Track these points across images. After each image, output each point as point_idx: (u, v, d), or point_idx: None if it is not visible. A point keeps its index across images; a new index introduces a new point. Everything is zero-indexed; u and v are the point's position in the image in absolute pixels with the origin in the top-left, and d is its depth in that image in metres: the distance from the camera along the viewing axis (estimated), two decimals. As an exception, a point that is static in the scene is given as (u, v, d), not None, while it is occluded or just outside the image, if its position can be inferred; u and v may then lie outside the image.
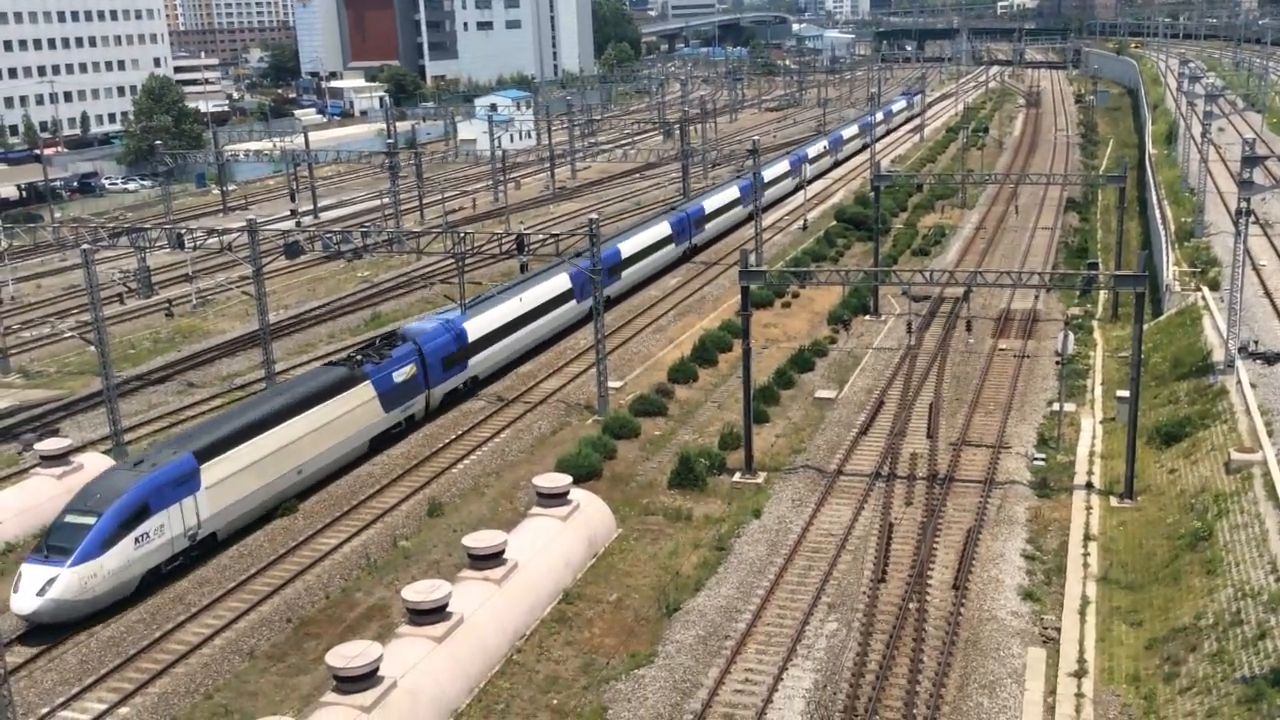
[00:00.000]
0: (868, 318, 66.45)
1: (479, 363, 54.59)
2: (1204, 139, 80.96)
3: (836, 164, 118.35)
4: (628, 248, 70.57)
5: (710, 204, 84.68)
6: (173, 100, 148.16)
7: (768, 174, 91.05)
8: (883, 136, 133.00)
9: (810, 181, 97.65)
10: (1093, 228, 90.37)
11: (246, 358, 61.68)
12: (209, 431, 40.36)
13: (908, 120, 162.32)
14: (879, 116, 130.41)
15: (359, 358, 47.87)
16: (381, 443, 48.05)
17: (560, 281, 61.68)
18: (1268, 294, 58.47)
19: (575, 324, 63.94)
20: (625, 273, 70.21)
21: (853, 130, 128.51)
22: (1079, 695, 29.63)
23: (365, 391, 46.29)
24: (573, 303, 62.89)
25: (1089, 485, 42.19)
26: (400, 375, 48.32)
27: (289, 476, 42.27)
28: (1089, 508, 40.34)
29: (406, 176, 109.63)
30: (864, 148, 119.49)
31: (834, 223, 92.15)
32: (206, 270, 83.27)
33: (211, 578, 38.17)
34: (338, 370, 46.48)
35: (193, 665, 32.93)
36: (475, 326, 54.09)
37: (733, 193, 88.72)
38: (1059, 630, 32.65)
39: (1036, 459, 44.79)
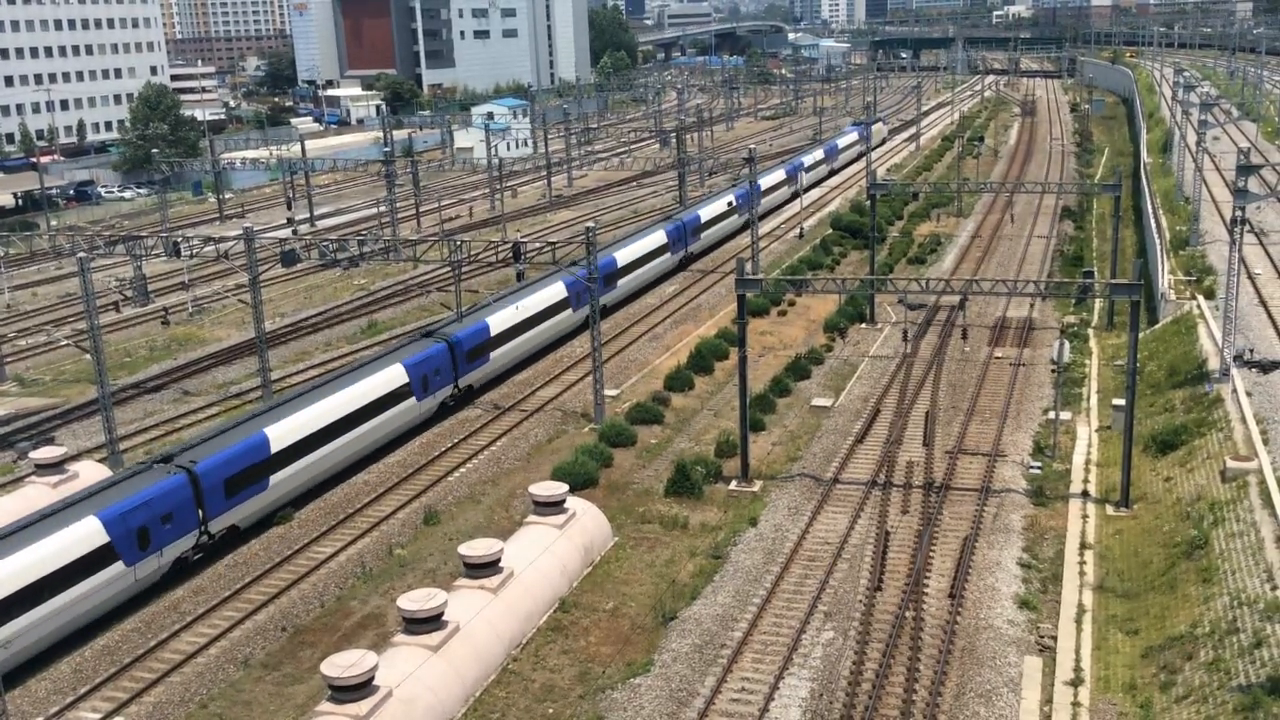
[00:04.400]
0: (864, 326, 66.50)
1: None
2: (1199, 148, 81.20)
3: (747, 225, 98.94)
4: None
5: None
6: (169, 108, 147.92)
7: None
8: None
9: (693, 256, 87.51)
10: (1088, 236, 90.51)
11: (243, 365, 61.63)
12: None
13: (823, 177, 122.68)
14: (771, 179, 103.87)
15: None
16: None
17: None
18: (1262, 302, 58.59)
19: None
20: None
21: (779, 175, 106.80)
22: (1075, 704, 29.61)
23: None
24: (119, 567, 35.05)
25: (1085, 494, 42.20)
26: None
27: None
28: (1085, 516, 40.35)
29: (403, 185, 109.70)
30: (794, 196, 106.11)
31: (830, 231, 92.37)
32: (203, 278, 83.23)
33: (206, 586, 38.09)
34: None
35: (187, 674, 32.84)
36: None
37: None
38: (1055, 639, 32.62)
39: (1032, 467, 44.80)
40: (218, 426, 43.28)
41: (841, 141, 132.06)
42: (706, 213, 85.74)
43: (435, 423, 51.92)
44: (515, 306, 57.88)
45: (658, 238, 76.53)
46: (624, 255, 70.98)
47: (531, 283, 62.15)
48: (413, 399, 49.54)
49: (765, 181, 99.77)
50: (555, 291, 61.52)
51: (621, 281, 70.39)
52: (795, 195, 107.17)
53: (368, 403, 46.63)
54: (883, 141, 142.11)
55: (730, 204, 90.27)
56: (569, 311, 62.57)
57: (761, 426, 49.75)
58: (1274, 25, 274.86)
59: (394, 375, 48.62)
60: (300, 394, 45.71)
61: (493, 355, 55.56)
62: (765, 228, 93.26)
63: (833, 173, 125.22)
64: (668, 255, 77.89)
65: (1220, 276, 61.90)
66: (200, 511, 38.48)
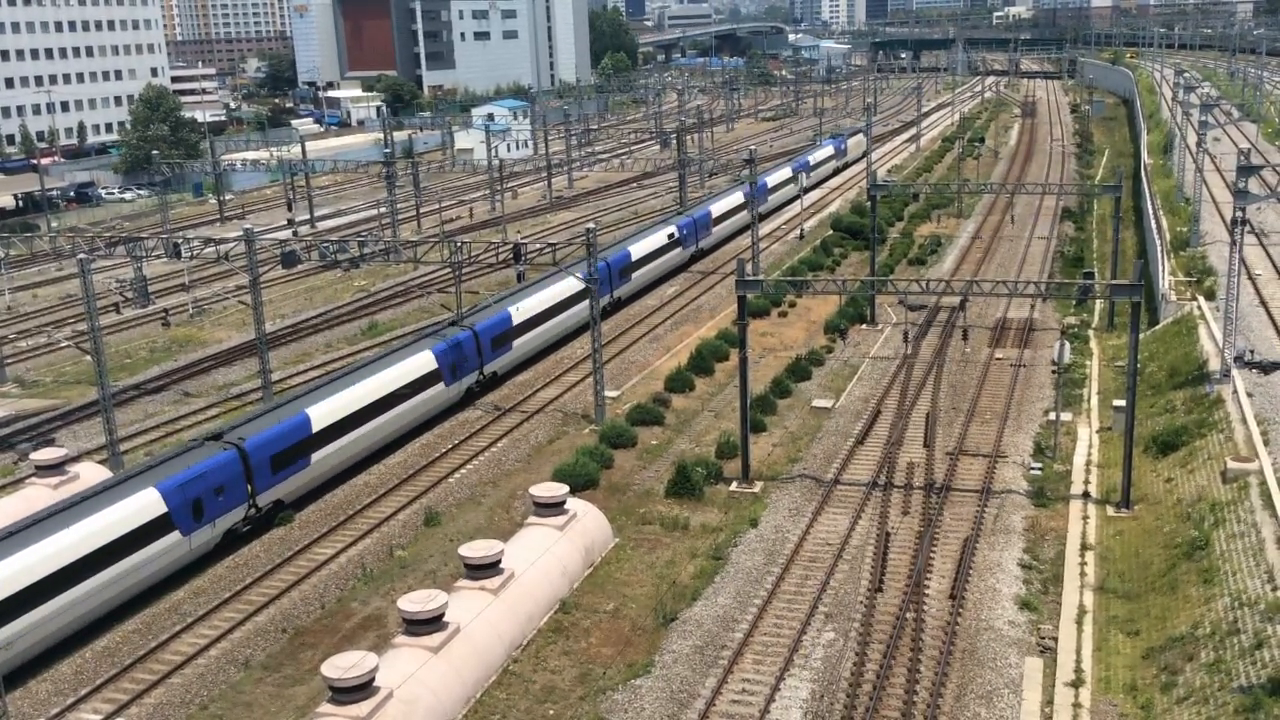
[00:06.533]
0: (864, 327, 66.50)
1: None
2: (1199, 149, 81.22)
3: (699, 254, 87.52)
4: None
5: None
6: (170, 110, 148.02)
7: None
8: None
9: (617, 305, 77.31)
10: (1088, 237, 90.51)
11: (243, 367, 61.64)
12: None
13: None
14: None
15: None
16: None
17: None
18: (1263, 303, 58.58)
19: None
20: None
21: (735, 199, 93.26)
22: (1076, 705, 29.60)
23: None
24: None
25: (1086, 495, 42.19)
26: None
27: None
28: (1086, 517, 40.34)
29: (404, 186, 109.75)
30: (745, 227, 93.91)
31: (830, 232, 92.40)
32: (203, 280, 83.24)
33: (206, 588, 38.08)
34: None
35: (188, 676, 32.83)
36: None
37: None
38: (1056, 640, 32.61)
39: (1033, 468, 44.79)
40: None
41: (814, 157, 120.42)
42: (639, 249, 74.15)
43: (226, 554, 40.05)
44: (356, 387, 46.32)
45: (568, 285, 61.88)
46: (526, 307, 59.09)
47: (386, 355, 50.62)
48: (175, 533, 37.09)
49: (717, 208, 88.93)
50: (420, 363, 49.91)
51: (518, 341, 58.42)
52: (759, 219, 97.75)
53: (96, 549, 34.24)
54: (865, 154, 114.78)
55: (671, 236, 79.15)
56: (440, 386, 51.25)
57: (762, 427, 49.73)
58: (1274, 26, 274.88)
59: (143, 505, 35.82)
60: None
61: (316, 457, 43.46)
62: (722, 257, 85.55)
63: (804, 192, 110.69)
64: (585, 304, 61.61)
65: (1221, 277, 61.88)
66: None
